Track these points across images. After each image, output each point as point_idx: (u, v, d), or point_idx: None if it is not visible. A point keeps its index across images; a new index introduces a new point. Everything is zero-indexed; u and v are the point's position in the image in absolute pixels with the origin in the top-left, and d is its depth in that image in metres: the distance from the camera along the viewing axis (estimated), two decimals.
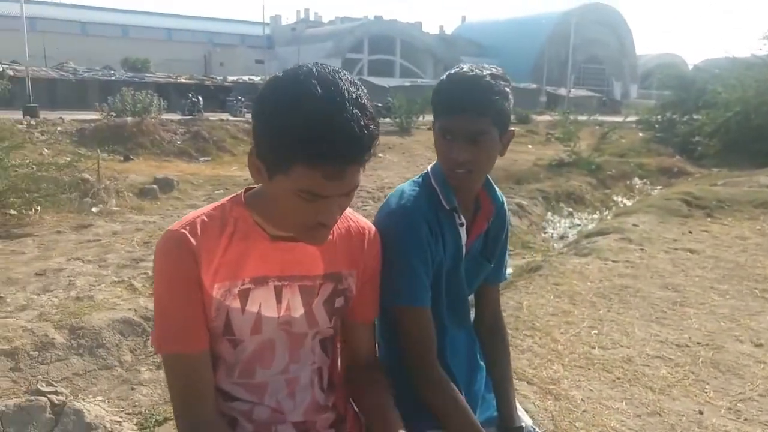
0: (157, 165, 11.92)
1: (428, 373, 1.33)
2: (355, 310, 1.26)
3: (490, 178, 1.48)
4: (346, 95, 0.92)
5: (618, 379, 3.14)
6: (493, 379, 1.53)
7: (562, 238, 8.94)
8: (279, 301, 1.13)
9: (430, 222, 1.35)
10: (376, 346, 1.36)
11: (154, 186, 8.97)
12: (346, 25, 66.22)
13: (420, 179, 1.43)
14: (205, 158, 13.68)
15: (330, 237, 1.14)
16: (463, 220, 1.40)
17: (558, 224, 9.95)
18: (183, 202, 8.72)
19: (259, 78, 36.60)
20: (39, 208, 7.25)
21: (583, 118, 20.26)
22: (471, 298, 1.56)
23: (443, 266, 1.39)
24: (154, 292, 1.08)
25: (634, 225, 6.85)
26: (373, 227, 1.28)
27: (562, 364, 3.30)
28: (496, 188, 1.51)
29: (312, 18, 74.59)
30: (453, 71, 1.31)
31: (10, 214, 6.96)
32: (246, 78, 36.71)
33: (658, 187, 13.39)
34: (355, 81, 0.97)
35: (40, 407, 3.02)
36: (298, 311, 1.15)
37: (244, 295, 1.09)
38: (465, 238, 1.42)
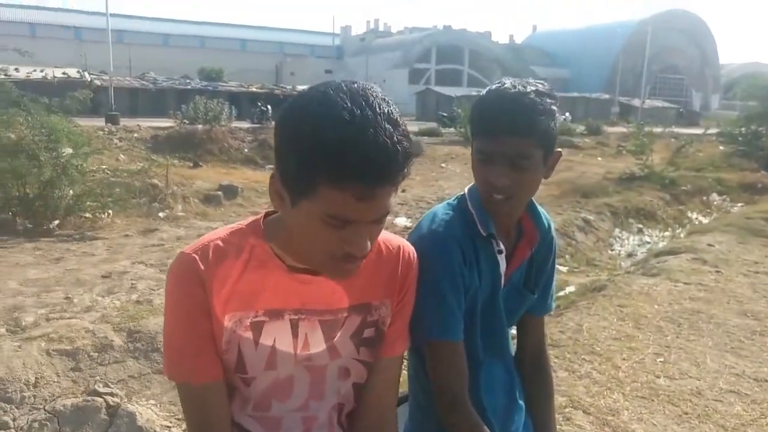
0: (225, 172, 12.27)
1: (459, 412, 1.23)
2: (384, 341, 1.15)
3: (534, 201, 1.37)
4: (378, 110, 0.85)
5: (685, 414, 2.91)
6: (534, 419, 1.42)
7: (630, 256, 8.53)
8: (295, 335, 1.04)
9: (464, 248, 1.25)
10: (397, 388, 1.22)
11: (219, 192, 9.22)
12: (414, 35, 66.53)
13: (455, 201, 1.34)
14: (271, 166, 13.84)
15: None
16: (502, 247, 1.30)
17: (626, 241, 9.51)
18: (246, 209, 8.91)
19: None
20: (111, 212, 7.58)
21: (657, 129, 19.41)
22: (513, 331, 1.47)
23: (478, 296, 1.29)
24: (164, 317, 1.03)
25: (710, 245, 6.43)
26: (409, 247, 1.16)
27: (623, 394, 3.09)
28: (542, 211, 1.40)
29: (381, 28, 75.44)
30: (494, 87, 1.21)
31: (86, 217, 7.31)
32: None
33: (739, 205, 12.59)
34: (386, 98, 0.90)
35: (96, 408, 3.10)
36: (319, 346, 1.07)
37: (257, 328, 1.02)
38: (504, 267, 1.31)
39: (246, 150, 14.57)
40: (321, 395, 1.10)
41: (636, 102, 46.68)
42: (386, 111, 0.86)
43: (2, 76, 10.37)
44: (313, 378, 1.08)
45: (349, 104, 0.84)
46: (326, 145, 0.82)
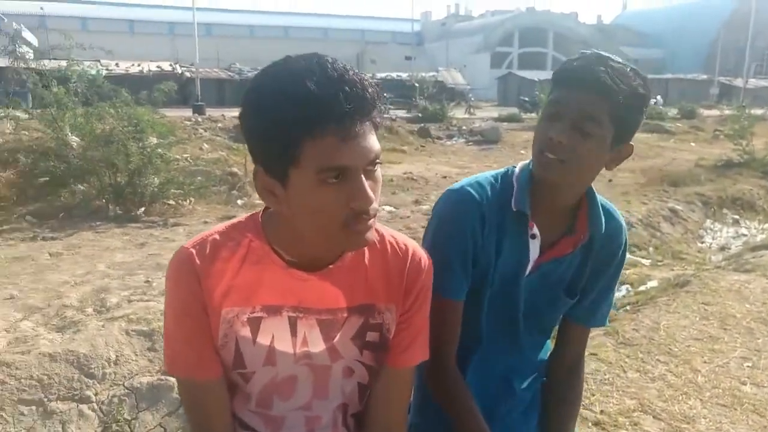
0: None
1: (441, 363, 1.22)
2: (390, 351, 1.10)
3: (598, 199, 1.24)
4: (339, 65, 0.87)
5: None
6: (547, 428, 1.36)
7: (722, 249, 7.94)
8: (294, 333, 1.02)
9: (487, 216, 1.19)
10: (406, 404, 1.17)
11: None
12: (496, 18, 65.08)
13: (504, 171, 1.27)
14: None
15: (361, 264, 1.03)
16: (536, 231, 1.21)
17: (719, 233, 8.85)
18: None
19: (406, 75, 37.16)
20: (192, 199, 7.92)
21: (759, 111, 17.91)
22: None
23: (490, 270, 1.22)
24: (165, 312, 1.02)
25: None
26: (420, 252, 1.10)
27: (701, 400, 2.87)
28: (610, 215, 1.27)
29: (462, 12, 74.26)
30: (587, 52, 1.13)
31: (169, 204, 7.68)
32: (394, 75, 37.43)
33: None
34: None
35: (169, 387, 3.25)
36: (318, 346, 1.04)
37: (254, 324, 1.00)
38: (536, 255, 1.22)
39: None
40: (325, 395, 1.07)
41: (738, 82, 43.37)
42: (345, 65, 0.87)
43: (105, 71, 11.05)
44: (317, 377, 1.06)
45: (302, 62, 0.87)
46: (295, 100, 0.83)
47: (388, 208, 8.23)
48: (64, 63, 8.45)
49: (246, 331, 1.00)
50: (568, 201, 1.22)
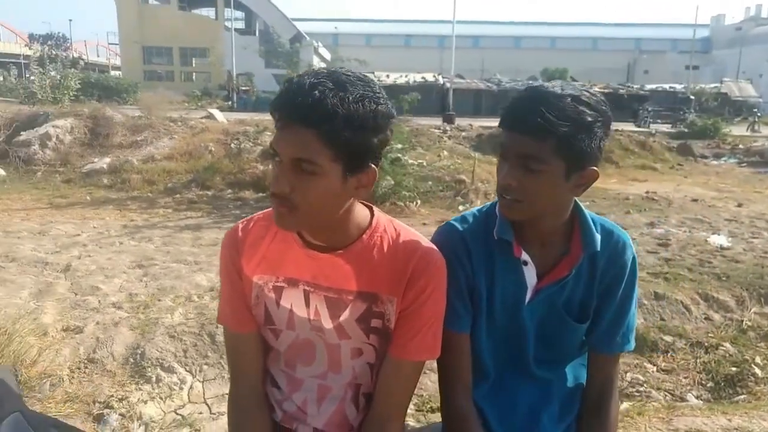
0: None
1: (451, 401, 1.24)
2: (392, 341, 1.19)
3: (591, 218, 1.22)
4: (332, 77, 0.98)
5: None
6: None
7: None
8: (307, 305, 1.18)
9: (473, 247, 1.23)
10: (404, 399, 1.22)
11: None
12: None
13: (489, 204, 1.30)
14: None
15: (369, 255, 1.13)
16: (526, 257, 1.20)
17: None
18: None
19: (681, 86, 33.58)
20: (419, 201, 8.46)
21: None
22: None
23: (489, 301, 1.24)
24: None
25: None
26: (431, 253, 1.16)
27: None
28: (601, 231, 1.23)
29: (765, 15, 63.92)
30: (537, 84, 1.15)
31: (396, 204, 8.33)
32: (667, 86, 34.16)
33: None
34: (362, 76, 1.01)
35: None
36: (327, 321, 1.17)
37: (278, 291, 1.19)
38: (534, 281, 1.21)
39: None
40: (338, 370, 1.21)
41: None
42: (335, 76, 0.98)
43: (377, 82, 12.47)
44: (330, 352, 1.20)
45: (315, 70, 1.00)
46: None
47: None
48: None
49: (272, 296, 1.19)
50: (551, 227, 1.21)
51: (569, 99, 1.08)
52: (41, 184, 9.56)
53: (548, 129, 1.06)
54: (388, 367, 1.19)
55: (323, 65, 12.40)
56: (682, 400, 3.46)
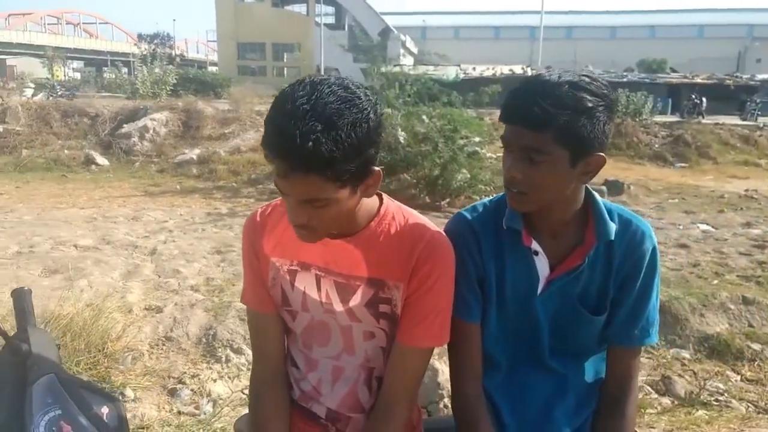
0: (625, 167, 11.80)
1: (461, 390, 1.25)
2: (399, 327, 1.21)
3: (606, 206, 1.21)
4: (313, 105, 0.94)
5: None
6: None
7: None
8: (319, 288, 1.22)
9: (482, 236, 1.23)
10: (411, 386, 1.23)
11: (603, 187, 9.01)
12: None
13: (500, 194, 1.29)
14: (682, 164, 12.66)
15: (377, 241, 1.16)
16: (537, 247, 1.19)
17: None
18: (627, 207, 8.39)
19: None
20: (494, 195, 8.33)
21: None
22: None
23: (499, 292, 1.23)
24: None
25: None
26: (437, 238, 1.18)
27: None
28: (618, 220, 1.21)
29: None
30: (530, 75, 1.14)
31: (473, 198, 8.26)
32: None
33: None
34: (344, 91, 0.97)
35: None
36: (338, 305, 1.21)
37: (292, 275, 1.24)
38: (546, 271, 1.20)
39: (656, 146, 13.61)
40: (352, 351, 1.25)
41: None
42: (320, 108, 0.93)
43: (462, 75, 12.42)
44: (344, 334, 1.25)
45: (291, 97, 0.95)
46: (264, 129, 0.99)
47: (704, 227, 7.25)
48: (431, 67, 9.67)
49: (287, 279, 1.23)
50: (562, 217, 1.20)
51: (566, 86, 1.06)
52: (139, 173, 10.29)
53: (547, 119, 1.05)
54: (395, 352, 1.21)
55: (410, 60, 12.43)
56: (766, 412, 3.24)
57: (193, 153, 10.68)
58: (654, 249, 1.22)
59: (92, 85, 22.80)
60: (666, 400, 3.37)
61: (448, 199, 8.17)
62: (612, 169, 11.24)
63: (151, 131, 11.47)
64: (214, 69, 43.06)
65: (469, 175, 8.16)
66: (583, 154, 1.09)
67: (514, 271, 1.23)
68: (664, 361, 3.75)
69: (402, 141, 8.71)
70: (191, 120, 11.87)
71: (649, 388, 3.47)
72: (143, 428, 2.84)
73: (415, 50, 44.79)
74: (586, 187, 1.22)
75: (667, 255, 5.72)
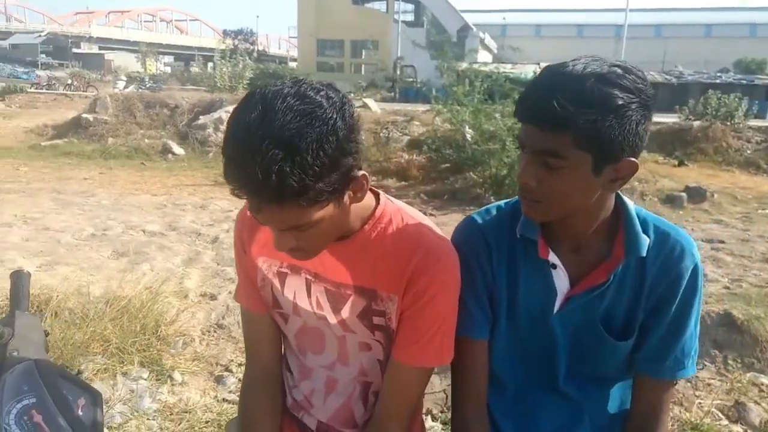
0: (711, 173, 11.02)
1: (459, 410, 1.13)
2: (395, 343, 1.09)
3: (636, 217, 1.04)
4: (268, 128, 0.80)
5: None
6: None
7: None
8: (309, 294, 1.12)
9: (494, 244, 1.10)
10: (406, 406, 1.11)
11: (683, 194, 8.43)
12: None
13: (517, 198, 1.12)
14: None
15: (369, 247, 1.05)
16: (555, 260, 1.05)
17: None
18: (709, 216, 7.87)
19: None
20: None
21: None
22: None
23: (510, 305, 1.10)
24: None
25: None
26: (435, 252, 1.03)
27: None
28: (654, 233, 1.05)
29: None
30: (551, 64, 0.97)
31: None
32: None
33: None
34: (302, 103, 0.82)
35: None
36: (329, 315, 1.11)
37: (281, 277, 1.13)
38: (565, 287, 1.06)
39: (748, 152, 12.61)
40: (346, 362, 1.15)
41: None
42: (277, 132, 0.80)
43: (531, 74, 12.06)
44: (339, 342, 1.14)
45: (243, 123, 0.82)
46: (223, 159, 0.86)
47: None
48: (508, 66, 9.46)
49: (276, 281, 1.14)
50: (586, 227, 1.04)
51: (592, 80, 0.90)
52: (211, 163, 10.61)
53: (566, 118, 0.90)
54: (390, 369, 1.10)
55: (488, 57, 12.11)
56: None
57: None
58: (696, 268, 1.04)
59: (177, 78, 23.91)
60: (738, 429, 3.07)
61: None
62: (697, 175, 10.54)
63: (225, 123, 11.80)
64: (294, 65, 44.08)
65: None
66: (609, 160, 0.94)
67: (528, 285, 1.09)
68: (739, 385, 3.42)
69: (469, 138, 8.52)
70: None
71: (720, 414, 3.17)
72: (186, 412, 2.86)
73: (494, 48, 44.02)
74: (617, 193, 1.06)
75: (750, 270, 5.27)
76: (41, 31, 54.86)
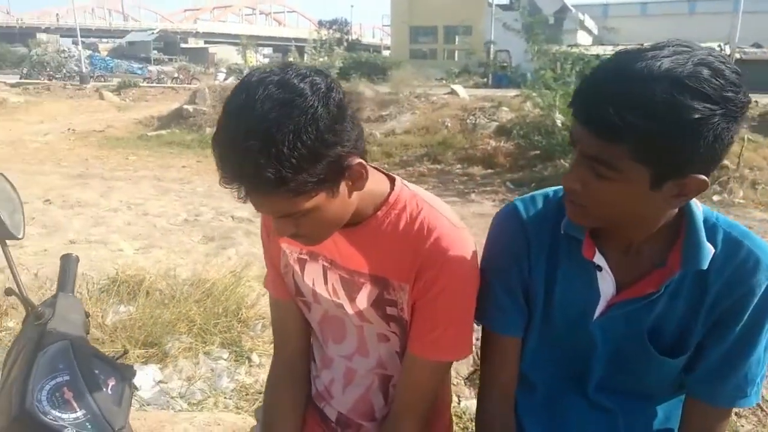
0: None
1: (484, 408, 1.08)
2: (409, 334, 1.06)
3: (701, 224, 0.91)
4: (248, 120, 0.80)
5: None
6: None
7: None
8: (326, 281, 1.11)
9: (535, 238, 1.01)
10: (420, 399, 1.07)
11: None
12: None
13: None
14: None
15: (381, 234, 1.02)
16: (601, 262, 0.95)
17: None
18: None
19: None
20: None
21: None
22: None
23: (546, 306, 1.02)
24: None
25: None
26: (446, 240, 0.98)
27: None
28: (722, 242, 0.92)
29: None
30: (626, 49, 0.83)
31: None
32: None
33: None
34: (281, 92, 0.80)
35: None
36: (345, 302, 1.09)
37: (302, 264, 1.13)
38: (611, 292, 0.96)
39: None
40: (365, 353, 1.14)
41: None
42: (256, 122, 0.79)
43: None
44: (357, 332, 1.13)
45: (228, 110, 0.83)
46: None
47: None
48: (608, 48, 9.01)
49: (297, 267, 1.14)
50: (639, 234, 0.92)
51: (666, 84, 0.74)
52: None
53: (625, 129, 0.76)
54: (405, 362, 1.07)
55: (588, 40, 11.45)
56: None
57: None
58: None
59: None
60: None
61: None
62: None
63: None
64: (387, 53, 44.30)
65: None
66: (673, 176, 0.80)
67: (568, 285, 1.00)
68: None
69: (559, 124, 8.17)
70: (351, 102, 12.28)
71: None
72: (261, 393, 2.97)
73: (594, 29, 41.92)
74: None
75: None
76: (153, 29, 58.71)
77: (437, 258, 0.97)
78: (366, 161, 0.92)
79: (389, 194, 1.02)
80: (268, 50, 64.90)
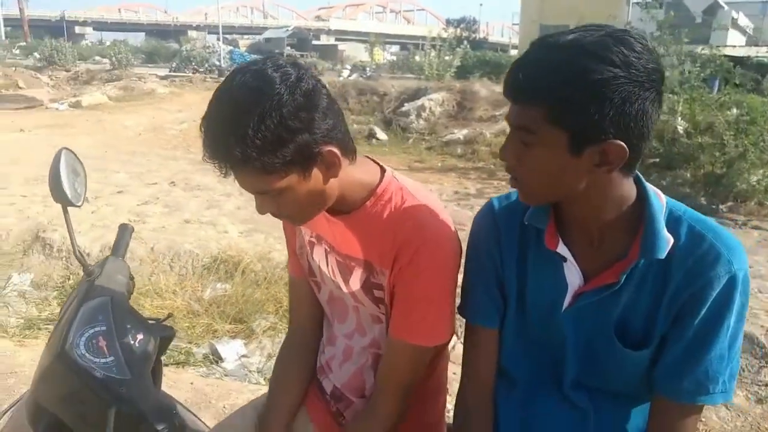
0: None
1: (462, 397, 1.13)
2: (389, 317, 1.13)
3: (661, 214, 0.93)
4: (220, 101, 0.92)
5: None
6: None
7: None
8: (327, 264, 1.20)
9: (505, 231, 1.06)
10: (394, 381, 1.12)
11: None
12: None
13: None
14: None
15: (369, 222, 1.09)
16: (564, 252, 0.98)
17: None
18: None
19: None
20: None
21: None
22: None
23: (513, 296, 1.06)
24: None
25: None
26: (423, 222, 1.04)
27: None
28: (685, 234, 0.92)
29: None
30: (553, 33, 0.90)
31: (765, 204, 6.82)
32: None
33: None
34: (253, 86, 0.90)
35: None
36: (341, 283, 1.18)
37: (311, 246, 1.24)
38: (577, 283, 0.99)
39: None
40: (363, 332, 1.23)
41: None
42: (229, 107, 0.91)
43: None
44: (355, 313, 1.23)
45: (217, 90, 0.94)
46: None
47: None
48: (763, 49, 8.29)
49: (308, 249, 1.25)
50: (594, 219, 0.95)
51: (572, 51, 0.82)
52: (410, 149, 11.07)
53: (534, 90, 0.85)
54: (386, 343, 1.14)
55: (742, 40, 10.45)
56: None
57: (461, 133, 11.02)
58: (732, 278, 0.89)
59: (398, 67, 25.17)
60: None
61: (730, 203, 6.87)
62: None
63: (427, 110, 12.18)
64: (514, 52, 43.37)
65: (759, 177, 6.71)
66: (589, 140, 0.85)
67: (538, 277, 1.03)
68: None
69: (681, 131, 7.61)
70: (466, 101, 12.24)
71: None
72: None
73: (750, 28, 38.17)
74: (643, 185, 0.95)
75: None
76: (288, 26, 61.85)
77: (413, 242, 1.03)
78: (346, 151, 1.01)
79: (378, 185, 1.10)
80: (395, 48, 66.04)
